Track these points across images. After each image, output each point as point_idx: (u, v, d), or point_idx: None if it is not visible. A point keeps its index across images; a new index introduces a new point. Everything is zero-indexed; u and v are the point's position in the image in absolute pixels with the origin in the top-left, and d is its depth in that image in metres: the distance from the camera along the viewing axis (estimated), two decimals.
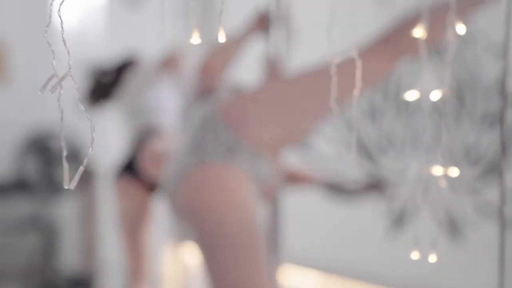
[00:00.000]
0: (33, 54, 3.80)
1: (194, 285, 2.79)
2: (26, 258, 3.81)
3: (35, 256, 3.83)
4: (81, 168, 0.46)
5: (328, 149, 2.51)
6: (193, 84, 1.82)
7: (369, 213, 2.37)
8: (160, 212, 2.54)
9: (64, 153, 0.46)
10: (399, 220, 2.29)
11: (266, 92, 1.72)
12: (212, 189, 1.56)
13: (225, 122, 1.61)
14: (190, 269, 2.93)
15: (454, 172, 0.78)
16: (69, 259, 3.97)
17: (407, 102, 2.23)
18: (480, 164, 2.08)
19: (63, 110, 0.45)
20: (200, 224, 1.55)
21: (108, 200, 3.83)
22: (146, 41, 3.24)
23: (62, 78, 0.46)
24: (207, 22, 2.83)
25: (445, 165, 0.78)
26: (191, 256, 2.88)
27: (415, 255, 0.78)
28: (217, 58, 1.81)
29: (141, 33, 3.39)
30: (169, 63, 2.47)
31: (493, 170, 2.03)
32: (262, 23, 1.93)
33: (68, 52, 0.45)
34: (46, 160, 3.86)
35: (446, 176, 0.83)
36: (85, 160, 0.47)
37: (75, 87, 0.47)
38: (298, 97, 1.64)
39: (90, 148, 0.46)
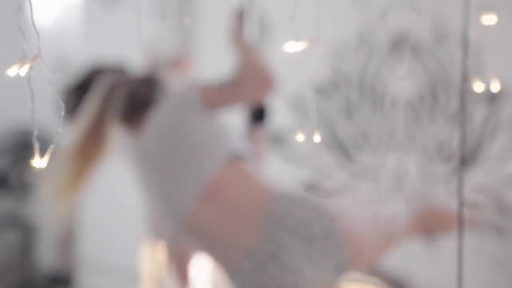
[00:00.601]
0: (9, 51, 3.78)
1: (167, 282, 2.81)
2: (4, 255, 3.79)
3: (13, 254, 3.81)
4: (52, 146, 0.48)
5: (306, 146, 2.52)
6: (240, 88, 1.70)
7: None
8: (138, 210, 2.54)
9: (35, 133, 0.48)
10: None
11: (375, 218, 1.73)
12: None
13: (347, 246, 1.59)
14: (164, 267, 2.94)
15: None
16: (47, 256, 3.96)
17: (383, 99, 2.25)
18: (453, 160, 2.11)
19: (33, 91, 0.47)
20: None
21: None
22: (123, 39, 3.24)
23: (33, 59, 0.47)
24: (185, 17, 2.83)
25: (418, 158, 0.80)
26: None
27: None
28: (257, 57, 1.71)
29: (117, 31, 3.39)
30: (177, 66, 2.37)
31: (466, 166, 2.06)
32: (241, 21, 1.88)
33: (38, 34, 0.47)
34: (24, 157, 3.85)
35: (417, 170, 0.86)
36: (56, 140, 0.49)
37: (45, 69, 0.49)
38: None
39: (60, 128, 0.48)
